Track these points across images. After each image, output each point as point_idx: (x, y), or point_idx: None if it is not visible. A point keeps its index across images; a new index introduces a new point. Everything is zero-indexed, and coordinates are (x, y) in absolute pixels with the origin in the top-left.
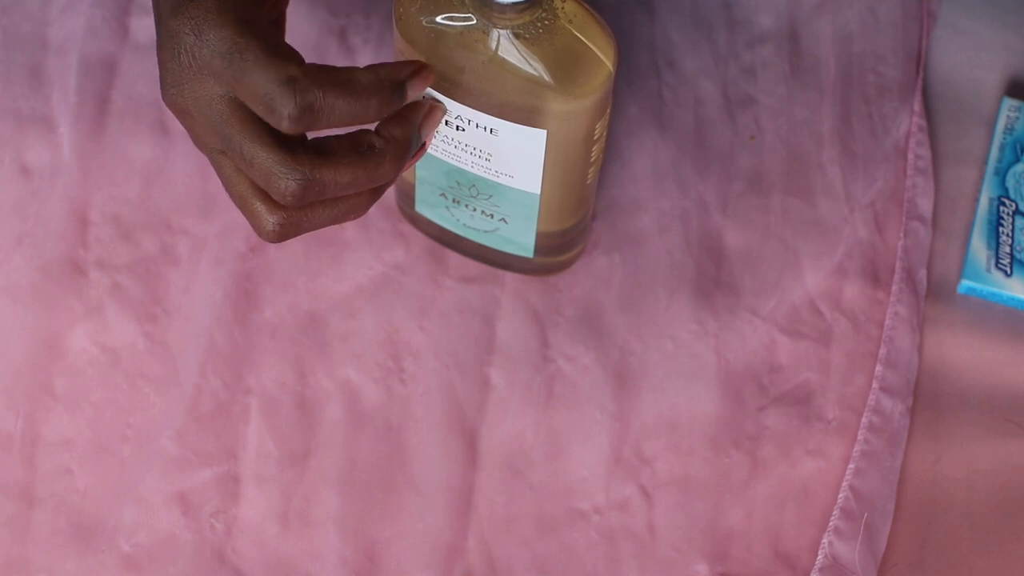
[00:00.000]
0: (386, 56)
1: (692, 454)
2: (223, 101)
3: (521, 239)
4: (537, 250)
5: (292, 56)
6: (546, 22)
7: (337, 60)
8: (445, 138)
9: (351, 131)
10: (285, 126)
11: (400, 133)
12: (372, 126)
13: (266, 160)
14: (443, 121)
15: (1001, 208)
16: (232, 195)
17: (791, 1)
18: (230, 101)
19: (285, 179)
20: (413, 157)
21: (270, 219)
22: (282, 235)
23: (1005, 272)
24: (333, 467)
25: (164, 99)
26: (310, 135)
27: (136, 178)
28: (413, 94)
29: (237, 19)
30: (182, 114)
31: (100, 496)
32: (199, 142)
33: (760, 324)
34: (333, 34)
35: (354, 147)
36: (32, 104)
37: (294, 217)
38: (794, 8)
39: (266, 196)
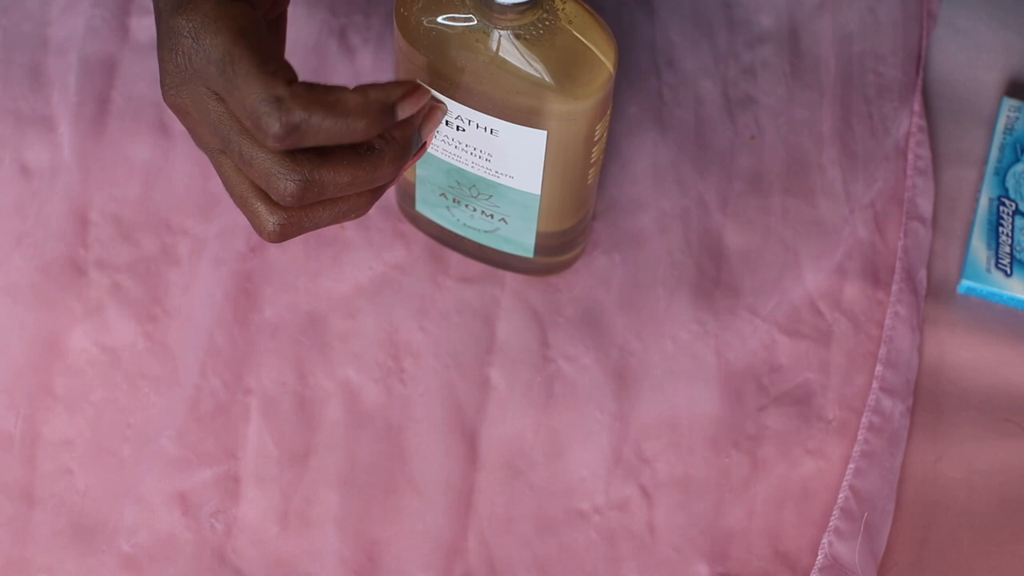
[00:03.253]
0: (386, 56)
1: (692, 454)
2: (222, 102)
3: (521, 239)
4: (537, 250)
5: (282, 73)
6: (547, 23)
7: (337, 60)
8: (445, 138)
9: None
10: (270, 144)
11: (400, 133)
12: None
13: (265, 161)
14: (443, 121)
15: (1001, 208)
16: (232, 195)
17: (791, 1)
18: None
19: (284, 180)
20: (413, 157)
21: (270, 219)
22: (283, 235)
23: (1005, 272)
24: (333, 467)
25: (164, 98)
26: None
27: (136, 178)
28: (403, 115)
29: (233, 27)
30: (182, 113)
31: (100, 496)
32: (199, 141)
33: (760, 324)
34: (333, 34)
35: (354, 148)
36: (32, 104)
37: (294, 217)
38: (794, 8)
39: (266, 196)
